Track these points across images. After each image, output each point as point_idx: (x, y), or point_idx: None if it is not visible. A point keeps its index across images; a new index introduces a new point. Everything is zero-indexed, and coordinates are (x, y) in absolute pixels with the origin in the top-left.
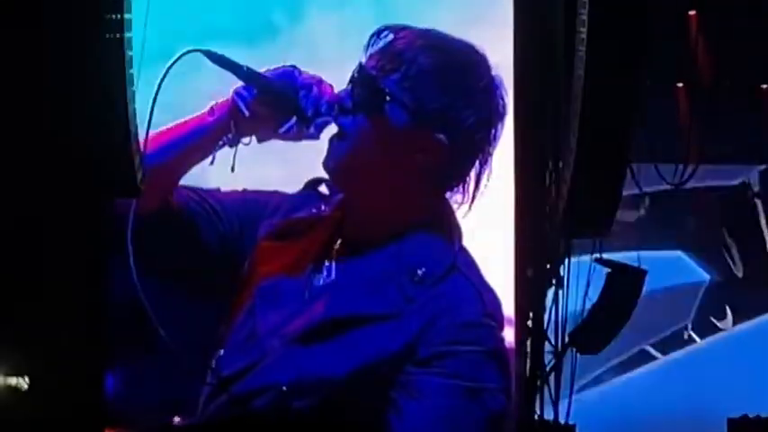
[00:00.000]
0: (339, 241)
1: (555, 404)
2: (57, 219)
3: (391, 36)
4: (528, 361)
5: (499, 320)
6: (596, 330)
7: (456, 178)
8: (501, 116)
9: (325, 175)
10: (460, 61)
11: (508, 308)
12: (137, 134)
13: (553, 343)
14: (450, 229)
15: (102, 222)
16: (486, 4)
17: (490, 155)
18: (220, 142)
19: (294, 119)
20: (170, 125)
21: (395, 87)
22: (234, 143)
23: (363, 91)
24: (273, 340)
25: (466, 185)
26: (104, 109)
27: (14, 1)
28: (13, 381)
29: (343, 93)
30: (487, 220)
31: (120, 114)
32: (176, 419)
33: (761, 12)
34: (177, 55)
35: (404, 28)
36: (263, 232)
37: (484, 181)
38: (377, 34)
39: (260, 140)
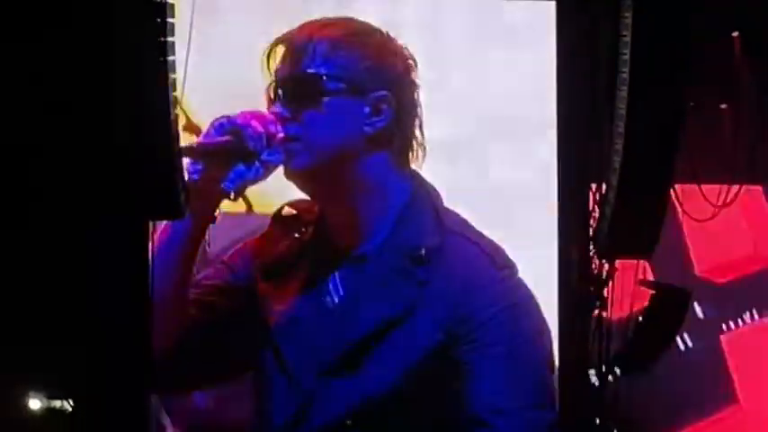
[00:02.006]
0: (332, 254)
1: (600, 426)
2: (99, 239)
3: (282, 46)
4: (572, 383)
5: (512, 266)
6: (640, 352)
7: (407, 135)
8: (412, 59)
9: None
10: (352, 28)
11: (552, 329)
12: (180, 156)
13: (597, 365)
14: (428, 195)
15: (146, 242)
16: (528, 33)
17: (419, 105)
18: (202, 224)
19: (240, 166)
20: None
21: (321, 64)
22: (210, 215)
23: (294, 90)
24: (310, 379)
25: (416, 137)
26: (148, 129)
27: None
28: (56, 403)
29: (276, 109)
30: (531, 243)
31: (164, 135)
32: None
33: None
34: None
35: (285, 34)
36: (257, 275)
37: (422, 123)
38: (270, 51)
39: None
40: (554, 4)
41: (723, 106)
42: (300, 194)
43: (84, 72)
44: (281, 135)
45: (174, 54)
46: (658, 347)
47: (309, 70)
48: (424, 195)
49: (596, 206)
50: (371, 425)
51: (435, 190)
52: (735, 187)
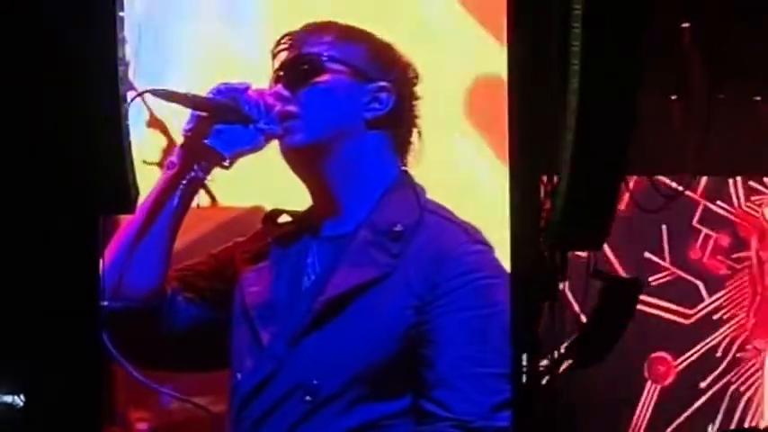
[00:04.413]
0: (313, 237)
1: (551, 418)
2: (51, 234)
3: (286, 41)
4: (524, 375)
5: (488, 244)
6: (592, 344)
7: (402, 135)
8: (416, 73)
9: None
10: (360, 28)
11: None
12: (131, 150)
13: (549, 357)
14: (412, 184)
15: (97, 238)
16: (480, 13)
17: (417, 117)
18: (192, 185)
19: (236, 128)
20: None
21: (325, 49)
22: (202, 177)
23: (296, 69)
24: (280, 346)
25: (411, 143)
26: (98, 124)
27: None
28: (8, 399)
29: (276, 88)
30: (483, 234)
31: (114, 130)
32: None
33: (754, 23)
34: (129, 99)
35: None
36: (239, 261)
37: (420, 132)
38: (276, 48)
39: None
40: None
41: (673, 98)
42: (269, 189)
43: (32, 70)
44: (278, 108)
45: (123, 48)
46: (610, 339)
47: (311, 51)
48: (407, 183)
49: (548, 198)
50: (339, 385)
51: (420, 185)
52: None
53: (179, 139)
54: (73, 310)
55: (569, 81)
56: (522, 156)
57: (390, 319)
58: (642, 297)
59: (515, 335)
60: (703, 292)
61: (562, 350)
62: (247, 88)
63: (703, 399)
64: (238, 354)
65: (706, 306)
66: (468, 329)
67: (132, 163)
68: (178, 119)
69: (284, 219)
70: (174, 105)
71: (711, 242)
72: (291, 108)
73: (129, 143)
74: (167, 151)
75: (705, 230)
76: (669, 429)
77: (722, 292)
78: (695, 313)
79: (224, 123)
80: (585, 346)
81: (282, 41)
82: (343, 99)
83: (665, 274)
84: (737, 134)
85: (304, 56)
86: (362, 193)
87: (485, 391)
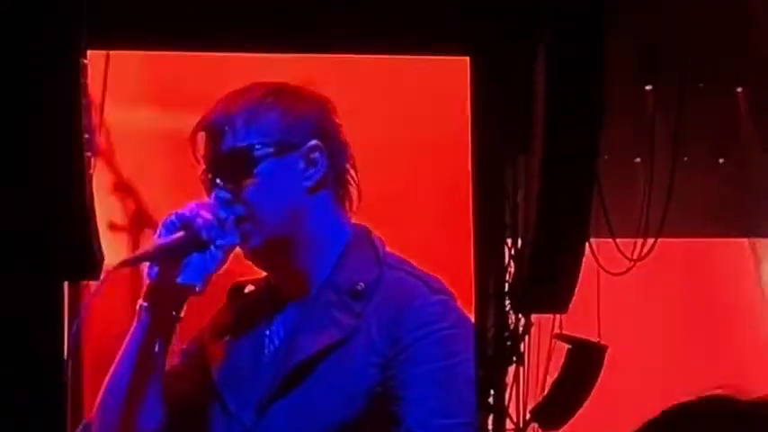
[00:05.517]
0: (275, 305)
1: None
2: (9, 302)
3: (202, 132)
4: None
5: (449, 293)
6: (558, 406)
7: (343, 186)
8: (329, 101)
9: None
10: (263, 90)
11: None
12: (95, 213)
13: (515, 420)
14: (369, 238)
15: (62, 302)
16: (442, 73)
17: (347, 143)
18: (168, 325)
19: (196, 257)
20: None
21: (245, 137)
22: (177, 316)
23: (226, 169)
24: (248, 415)
25: (351, 190)
26: (61, 184)
27: None
28: None
29: (216, 194)
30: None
31: (78, 191)
32: None
33: (717, 86)
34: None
35: (202, 119)
36: (206, 341)
37: (355, 176)
38: (192, 138)
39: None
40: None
41: (637, 160)
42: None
43: None
44: (232, 218)
45: (88, 113)
46: (575, 403)
47: (235, 145)
48: (363, 237)
49: (512, 261)
50: None
51: (379, 238)
52: (650, 241)
53: (145, 283)
54: (37, 379)
55: (533, 145)
56: (486, 219)
57: (356, 378)
58: None
59: (480, 397)
60: None
61: (527, 413)
62: (199, 210)
63: None
64: (209, 428)
65: None
66: (432, 381)
67: (96, 227)
68: (145, 182)
69: (249, 288)
70: (141, 164)
71: None
72: (240, 211)
73: (94, 207)
74: (135, 215)
75: None
76: None
77: None
78: None
79: (187, 256)
80: (550, 410)
81: (198, 137)
82: (282, 181)
83: None
84: (701, 196)
85: (230, 153)
86: (320, 258)
87: None
